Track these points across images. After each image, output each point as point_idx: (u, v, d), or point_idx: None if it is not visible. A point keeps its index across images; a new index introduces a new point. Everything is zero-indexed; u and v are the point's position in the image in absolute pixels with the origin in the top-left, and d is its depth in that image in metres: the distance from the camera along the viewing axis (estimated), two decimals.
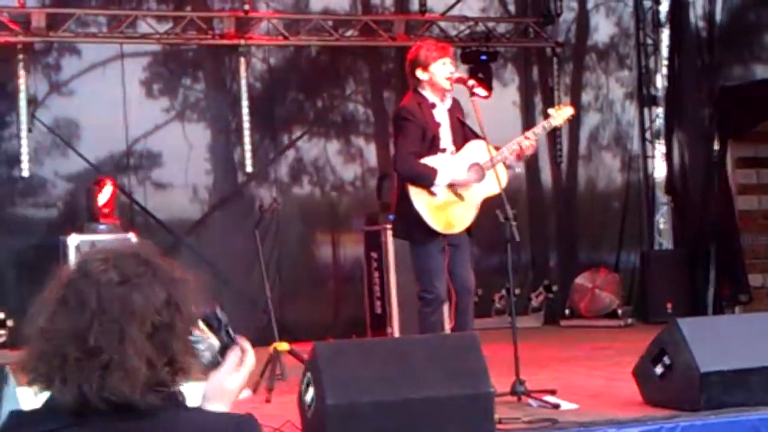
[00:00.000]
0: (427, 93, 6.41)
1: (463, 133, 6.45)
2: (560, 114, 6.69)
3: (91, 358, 1.86)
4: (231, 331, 2.19)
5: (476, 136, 6.42)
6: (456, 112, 6.48)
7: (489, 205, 6.38)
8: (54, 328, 1.90)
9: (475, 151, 6.39)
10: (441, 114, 6.42)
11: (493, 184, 6.28)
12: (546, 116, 6.81)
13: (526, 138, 6.43)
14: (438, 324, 6.41)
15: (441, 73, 6.36)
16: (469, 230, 6.45)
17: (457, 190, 6.35)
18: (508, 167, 6.52)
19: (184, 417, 1.95)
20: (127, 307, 1.90)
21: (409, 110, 6.39)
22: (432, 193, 6.30)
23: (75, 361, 1.86)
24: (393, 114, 7.04)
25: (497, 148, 6.36)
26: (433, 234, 6.30)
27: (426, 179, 6.29)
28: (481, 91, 6.48)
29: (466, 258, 6.44)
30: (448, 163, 6.34)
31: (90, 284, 1.92)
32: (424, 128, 6.33)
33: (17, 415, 1.97)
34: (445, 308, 6.64)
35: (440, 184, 6.29)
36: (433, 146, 6.35)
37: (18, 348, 1.99)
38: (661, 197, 11.60)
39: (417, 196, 6.31)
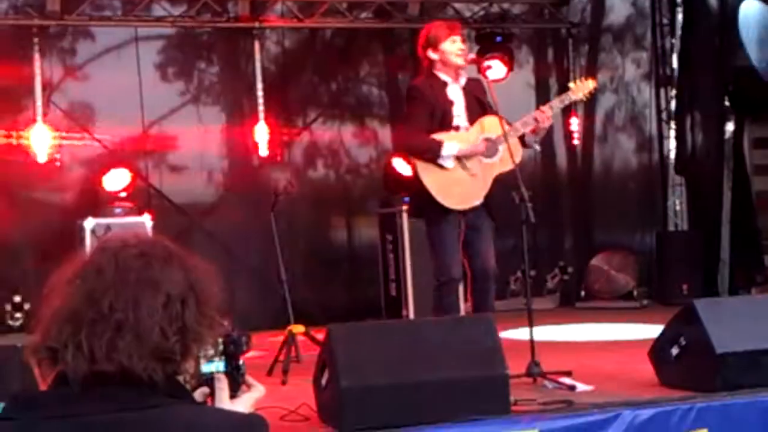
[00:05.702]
0: (440, 72, 6.41)
1: (482, 112, 6.41)
2: (580, 87, 6.59)
3: (105, 319, 1.90)
4: (241, 364, 2.21)
5: (494, 114, 6.39)
6: (474, 90, 6.44)
7: (504, 186, 6.35)
8: (70, 295, 1.94)
9: (488, 126, 6.35)
10: (454, 92, 6.40)
11: (506, 160, 6.24)
12: (565, 90, 6.76)
13: (542, 111, 6.38)
14: (452, 306, 6.37)
15: (451, 50, 6.36)
16: (490, 214, 6.39)
17: (466, 165, 6.30)
18: (526, 146, 6.49)
19: (184, 412, 1.96)
20: (142, 276, 1.95)
21: (417, 88, 6.43)
22: (440, 167, 6.26)
23: (90, 323, 1.90)
24: (405, 93, 7.05)
25: (510, 125, 6.32)
26: (445, 212, 6.27)
27: (431, 151, 6.25)
28: (495, 74, 6.47)
29: (487, 242, 6.36)
30: (456, 137, 6.32)
31: (108, 255, 1.97)
32: (432, 106, 6.32)
33: (18, 398, 1.99)
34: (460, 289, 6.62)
35: (447, 156, 6.24)
36: (444, 124, 6.33)
37: (34, 331, 2.00)
38: (677, 178, 11.56)
39: (426, 171, 6.29)
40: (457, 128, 6.35)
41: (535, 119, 6.32)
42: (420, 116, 6.33)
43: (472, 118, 6.39)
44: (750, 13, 10.13)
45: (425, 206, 6.36)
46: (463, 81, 6.44)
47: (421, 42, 6.50)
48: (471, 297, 6.37)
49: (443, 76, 6.41)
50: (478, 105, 6.41)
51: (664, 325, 5.84)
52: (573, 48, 11.56)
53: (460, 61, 6.37)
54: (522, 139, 6.40)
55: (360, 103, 11.09)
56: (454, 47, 6.37)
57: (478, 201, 6.33)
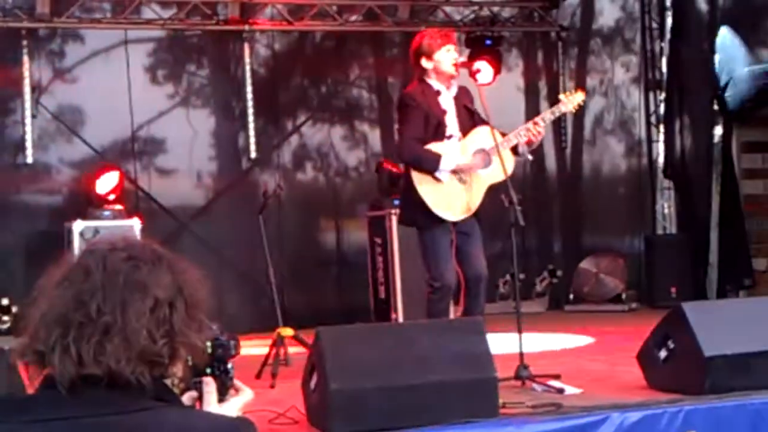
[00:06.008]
0: (433, 81, 6.41)
1: (471, 120, 6.42)
2: (570, 100, 6.62)
3: (93, 322, 1.89)
4: (230, 368, 2.21)
5: (484, 123, 6.39)
6: (463, 99, 6.45)
7: (494, 190, 6.37)
8: (58, 297, 1.93)
9: (481, 136, 6.37)
10: (447, 101, 6.41)
11: (498, 171, 6.26)
12: (555, 102, 6.77)
13: (535, 124, 6.40)
14: (446, 311, 6.40)
15: (446, 60, 6.36)
16: (477, 217, 6.42)
17: (462, 176, 6.33)
18: (518, 155, 6.50)
19: (172, 416, 1.95)
20: (130, 279, 1.94)
21: (412, 96, 6.40)
22: (436, 179, 6.28)
23: (77, 326, 1.89)
24: (397, 101, 7.05)
25: (504, 134, 6.34)
26: (438, 220, 6.29)
27: (430, 164, 6.27)
28: (484, 77, 6.46)
29: (477, 246, 6.39)
30: (452, 148, 6.33)
31: (96, 258, 1.97)
32: (427, 114, 6.32)
33: (5, 401, 1.98)
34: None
35: (444, 170, 6.26)
36: (438, 133, 6.34)
37: (21, 334, 2.00)
38: (666, 181, 11.59)
39: (421, 182, 6.30)
40: (450, 137, 6.37)
41: (528, 131, 6.33)
42: (416, 124, 6.32)
43: (464, 127, 6.40)
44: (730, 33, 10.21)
45: (418, 215, 6.37)
46: (454, 90, 6.45)
47: (413, 49, 6.49)
48: (463, 301, 6.39)
49: (436, 85, 6.41)
50: (468, 114, 6.42)
51: (653, 328, 5.85)
52: (562, 51, 11.58)
53: (453, 71, 6.37)
54: (514, 149, 6.42)
55: (350, 105, 11.09)
56: (448, 57, 6.36)
57: (471, 212, 6.36)
